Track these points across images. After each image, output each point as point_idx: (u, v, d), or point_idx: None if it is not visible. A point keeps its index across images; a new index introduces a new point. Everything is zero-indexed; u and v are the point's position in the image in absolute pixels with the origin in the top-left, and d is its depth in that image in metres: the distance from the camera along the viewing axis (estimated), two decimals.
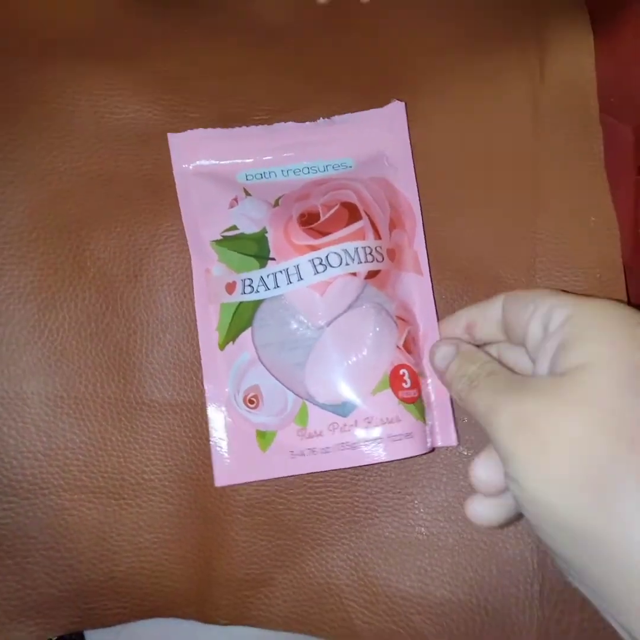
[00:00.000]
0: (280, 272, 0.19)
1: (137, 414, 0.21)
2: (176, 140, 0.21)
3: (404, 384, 0.19)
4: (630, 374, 0.13)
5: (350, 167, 0.22)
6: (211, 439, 0.20)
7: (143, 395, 0.21)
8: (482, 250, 0.22)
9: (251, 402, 0.19)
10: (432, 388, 0.20)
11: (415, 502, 0.20)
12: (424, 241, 0.21)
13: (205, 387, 0.20)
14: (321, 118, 0.22)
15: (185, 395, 0.21)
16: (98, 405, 0.21)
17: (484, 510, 0.16)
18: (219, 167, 0.21)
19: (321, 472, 0.20)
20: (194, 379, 0.21)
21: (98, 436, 0.20)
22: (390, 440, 0.18)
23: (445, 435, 0.20)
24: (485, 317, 0.18)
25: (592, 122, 0.22)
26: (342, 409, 0.19)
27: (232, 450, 0.20)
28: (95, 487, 0.20)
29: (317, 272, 0.19)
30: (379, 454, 0.18)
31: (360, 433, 0.19)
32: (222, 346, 0.20)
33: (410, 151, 0.22)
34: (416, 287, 0.21)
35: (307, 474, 0.21)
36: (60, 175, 0.21)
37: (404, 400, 0.19)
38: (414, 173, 0.21)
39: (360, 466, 0.21)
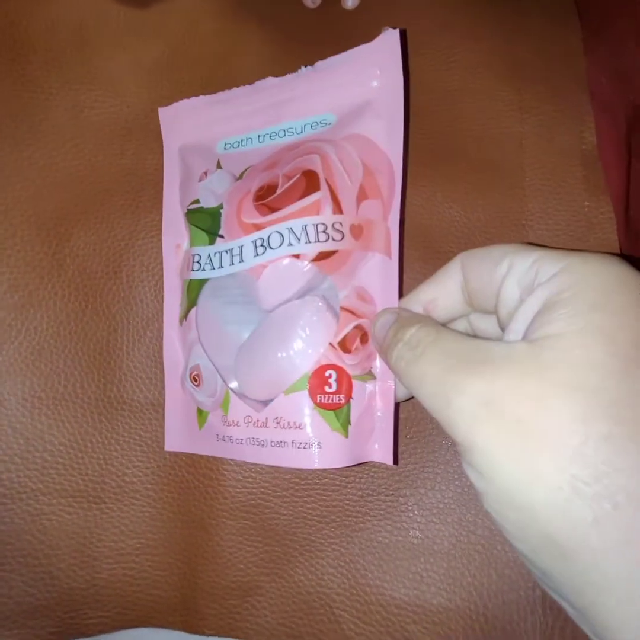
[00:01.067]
0: (226, 251, 0.18)
1: (118, 415, 0.20)
2: (165, 114, 0.21)
3: (326, 388, 0.17)
4: (636, 347, 0.10)
5: (330, 124, 0.19)
6: (166, 406, 0.20)
7: (124, 395, 0.20)
8: (469, 233, 0.20)
9: (194, 379, 0.19)
10: (379, 393, 0.17)
11: (409, 504, 0.19)
12: (399, 214, 0.18)
13: (164, 357, 0.20)
14: (303, 67, 0.19)
15: None
16: (77, 405, 0.20)
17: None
18: (202, 138, 0.20)
19: (295, 469, 0.19)
20: None
21: (78, 438, 0.20)
22: (294, 447, 0.17)
23: (382, 450, 0.17)
24: (445, 290, 0.15)
25: (582, 104, 0.21)
26: (258, 403, 0.17)
27: (180, 421, 0.19)
28: (74, 490, 0.20)
29: (257, 254, 0.17)
30: (281, 458, 0.17)
31: (269, 432, 0.17)
32: (180, 322, 0.20)
33: (402, 92, 0.18)
34: (382, 272, 0.18)
35: (294, 476, 0.20)
36: (37, 171, 0.21)
37: (322, 406, 0.17)
38: (402, 122, 0.18)
39: (350, 467, 0.20)
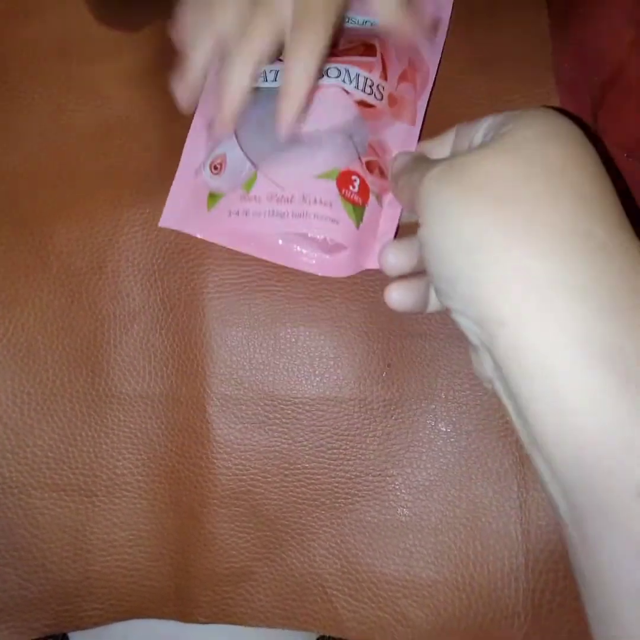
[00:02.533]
0: (281, 69, 0.20)
1: (107, 408, 0.20)
2: None
3: (351, 187, 0.19)
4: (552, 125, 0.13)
5: None
6: (171, 191, 0.21)
7: (113, 388, 0.20)
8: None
9: (215, 168, 0.20)
10: (384, 217, 0.20)
11: (397, 483, 0.20)
12: (427, 102, 0.21)
13: (185, 149, 0.21)
14: None
15: (156, 386, 0.21)
16: (66, 400, 0.20)
17: (399, 296, 0.17)
18: None
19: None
20: (164, 369, 0.21)
21: (68, 432, 0.20)
22: (316, 219, 0.19)
23: (371, 257, 0.20)
24: (440, 146, 0.18)
25: (550, 96, 0.22)
26: (286, 181, 0.20)
27: (184, 204, 0.21)
28: (66, 484, 0.20)
29: None
30: (302, 228, 0.19)
31: (292, 206, 0.19)
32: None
33: (450, 13, 0.22)
34: (404, 136, 0.21)
35: (283, 461, 0.20)
36: (21, 173, 0.21)
37: (344, 197, 0.19)
38: (443, 42, 0.22)
39: (340, 450, 0.20)
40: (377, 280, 0.21)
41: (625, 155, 0.21)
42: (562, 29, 0.23)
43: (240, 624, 0.20)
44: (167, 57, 0.23)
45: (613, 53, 0.21)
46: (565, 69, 0.22)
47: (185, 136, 0.22)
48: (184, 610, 0.20)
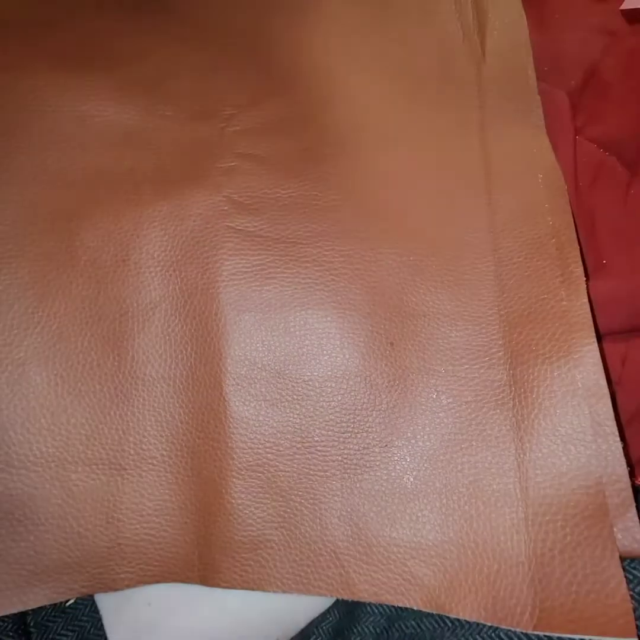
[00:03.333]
0: None
1: (132, 389, 0.22)
2: None
3: None
4: None
5: None
6: None
7: (137, 371, 0.22)
8: (441, 216, 0.23)
9: None
10: None
11: (402, 453, 0.21)
12: None
13: None
14: None
15: (177, 368, 0.22)
16: (96, 382, 0.22)
17: None
18: None
19: (297, 426, 0.21)
20: (183, 352, 0.22)
21: (97, 411, 0.22)
22: None
23: None
24: None
25: (531, 91, 0.23)
26: None
27: None
28: (97, 459, 0.22)
29: None
30: None
31: None
32: None
33: None
34: None
35: (295, 435, 0.21)
36: (49, 174, 0.23)
37: None
38: None
39: (348, 424, 0.21)
40: (380, 266, 0.23)
41: (602, 150, 0.23)
42: (540, 34, 0.24)
43: (258, 589, 0.21)
44: (183, 62, 0.25)
45: (587, 58, 0.23)
46: (544, 72, 0.24)
47: (201, 140, 0.23)
48: (206, 575, 0.21)
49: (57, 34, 0.25)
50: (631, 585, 0.18)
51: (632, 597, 0.17)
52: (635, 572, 0.18)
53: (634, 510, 0.18)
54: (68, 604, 0.22)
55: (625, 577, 0.17)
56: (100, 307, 0.22)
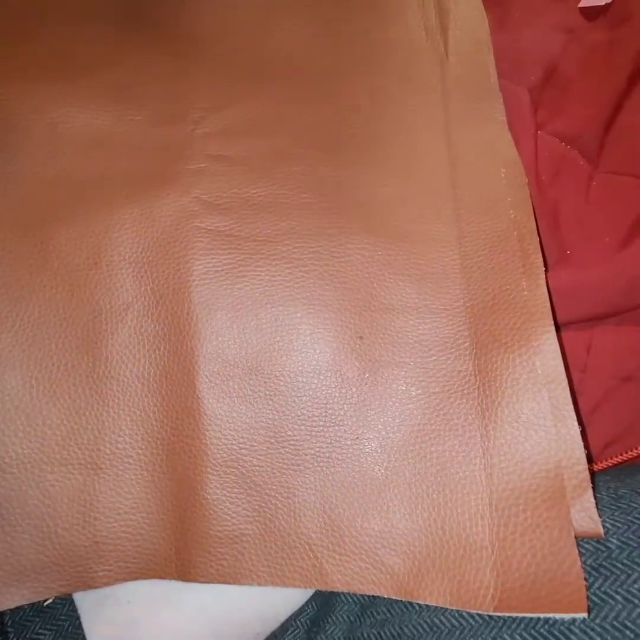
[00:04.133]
0: None
1: (107, 389, 0.22)
2: None
3: None
4: None
5: None
6: None
7: (112, 371, 0.22)
8: (407, 211, 0.23)
9: None
10: None
11: (372, 445, 0.21)
12: None
13: None
14: None
15: (151, 367, 0.23)
16: (71, 383, 0.22)
17: None
18: None
19: (270, 421, 0.21)
20: (157, 352, 0.23)
21: (73, 412, 0.22)
22: None
23: None
24: None
25: (493, 89, 0.24)
26: None
27: None
28: (73, 459, 0.22)
29: None
30: None
31: None
32: None
33: None
34: None
35: (268, 430, 0.22)
36: (22, 180, 0.23)
37: None
38: None
39: (320, 417, 0.22)
40: (348, 262, 0.23)
41: (563, 144, 0.23)
42: (500, 33, 0.25)
43: (233, 583, 0.21)
44: (153, 68, 0.26)
45: (547, 55, 0.23)
46: (504, 69, 0.24)
47: (170, 143, 0.24)
48: (183, 570, 0.21)
49: (28, 43, 0.25)
50: (583, 558, 0.18)
51: (584, 569, 0.18)
52: (587, 545, 0.18)
53: (590, 492, 0.18)
54: (46, 603, 0.22)
55: (579, 551, 0.18)
56: (74, 310, 0.23)
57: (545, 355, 0.19)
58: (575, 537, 0.18)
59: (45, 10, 0.27)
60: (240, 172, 0.24)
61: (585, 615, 0.17)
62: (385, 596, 0.19)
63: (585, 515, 0.18)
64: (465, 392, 0.21)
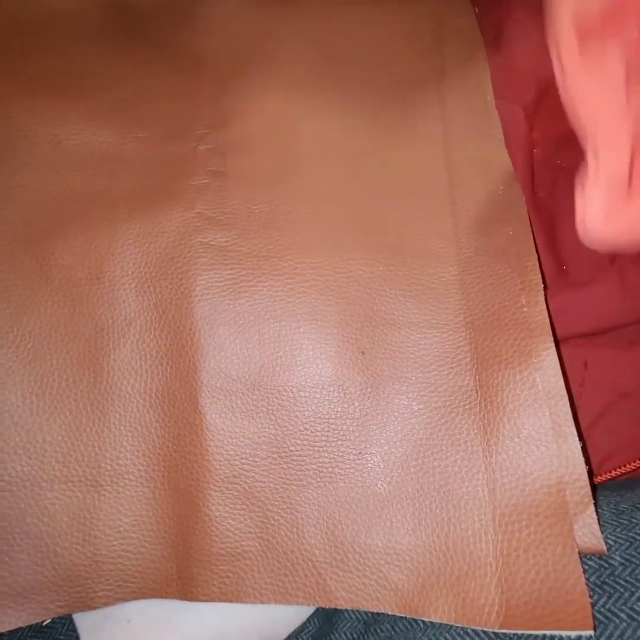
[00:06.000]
0: None
1: (108, 405, 0.22)
2: None
3: None
4: None
5: None
6: None
7: (113, 387, 0.22)
8: (407, 227, 0.24)
9: None
10: None
11: (375, 460, 0.21)
12: None
13: None
14: None
15: (152, 383, 0.23)
16: (71, 399, 0.22)
17: None
18: None
19: (272, 437, 0.22)
20: (159, 367, 0.23)
21: (73, 428, 0.22)
22: None
23: None
24: None
25: (490, 107, 0.25)
26: None
27: None
28: (73, 476, 0.22)
29: None
30: None
31: None
32: None
33: None
34: None
35: (270, 445, 0.22)
36: (24, 196, 0.23)
37: None
38: None
39: (323, 432, 0.22)
40: (349, 277, 0.23)
41: (558, 162, 0.24)
42: (494, 52, 0.26)
43: (237, 601, 0.21)
44: (157, 86, 0.26)
45: (540, 73, 0.24)
46: (499, 87, 0.25)
47: (173, 159, 0.24)
48: (185, 589, 0.21)
49: (33, 61, 0.26)
50: (587, 575, 0.18)
51: (588, 586, 0.18)
52: (590, 562, 0.19)
53: (592, 508, 0.18)
54: (44, 623, 0.22)
55: (583, 568, 0.18)
56: (75, 325, 0.23)
57: (545, 371, 0.20)
58: (579, 554, 0.18)
59: (48, 28, 0.27)
60: (242, 187, 0.24)
61: (591, 633, 0.17)
62: (390, 613, 0.19)
63: (588, 531, 0.18)
64: (466, 407, 0.21)
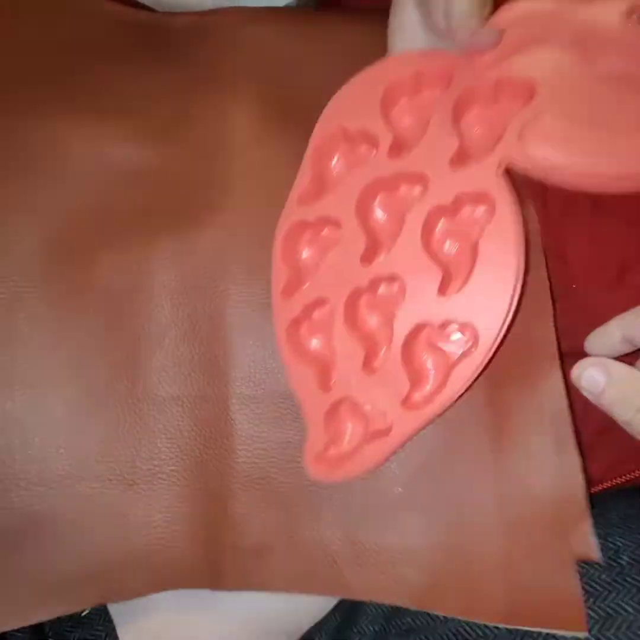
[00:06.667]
0: None
1: (145, 409, 0.24)
2: None
3: None
4: None
5: None
6: None
7: (149, 392, 0.24)
8: None
9: None
10: None
11: (392, 466, 0.23)
12: None
13: None
14: None
15: (186, 389, 0.24)
16: (111, 403, 0.24)
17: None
18: None
19: None
20: (192, 374, 0.24)
21: (112, 431, 0.23)
22: None
23: None
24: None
25: None
26: None
27: None
28: (111, 475, 0.23)
29: None
30: None
31: None
32: None
33: None
34: None
35: (295, 449, 0.23)
36: (66, 210, 0.25)
37: None
38: None
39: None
40: None
41: None
42: None
43: (261, 590, 0.23)
44: (195, 105, 0.27)
45: None
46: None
47: (210, 179, 0.25)
48: (214, 579, 0.23)
49: (76, 80, 0.27)
50: (597, 574, 0.21)
51: (598, 583, 0.20)
52: (587, 567, 0.21)
53: (589, 520, 0.20)
54: (83, 614, 0.23)
55: (594, 566, 0.20)
56: (115, 333, 0.24)
57: (551, 393, 0.21)
58: (577, 562, 0.20)
59: (86, 49, 0.29)
60: (278, 205, 0.26)
61: (585, 634, 0.19)
62: (403, 606, 0.21)
63: (583, 541, 0.20)
64: (477, 421, 0.23)
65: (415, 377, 0.21)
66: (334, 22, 0.31)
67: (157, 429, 0.24)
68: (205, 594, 0.23)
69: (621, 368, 0.18)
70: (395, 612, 0.23)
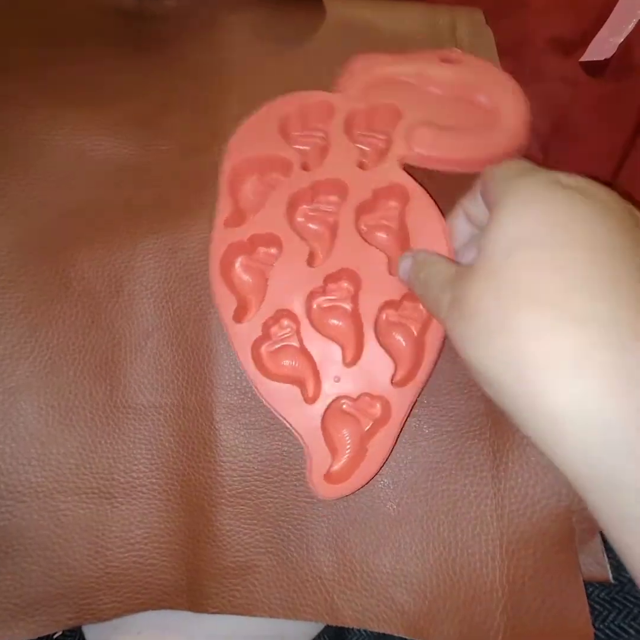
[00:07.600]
0: None
1: (123, 418, 0.22)
2: None
3: None
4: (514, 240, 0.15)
5: None
6: None
7: (129, 400, 0.23)
8: None
9: None
10: None
11: (385, 481, 0.22)
12: None
13: None
14: None
15: (168, 397, 0.23)
16: (87, 411, 0.22)
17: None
18: None
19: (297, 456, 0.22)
20: (175, 381, 0.23)
21: (88, 440, 0.22)
22: None
23: None
24: (476, 204, 0.19)
25: None
26: None
27: None
28: (87, 487, 0.22)
29: None
30: None
31: None
32: None
33: None
34: None
35: (283, 462, 0.22)
36: (45, 206, 0.23)
37: None
38: None
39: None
40: None
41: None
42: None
43: (245, 614, 0.21)
44: (178, 98, 0.26)
45: (554, 108, 0.25)
46: None
47: (195, 174, 0.24)
48: (195, 601, 0.22)
49: (56, 72, 0.26)
50: (597, 591, 0.19)
51: (598, 601, 0.18)
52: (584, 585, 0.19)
53: (598, 536, 0.19)
54: (55, 636, 0.22)
55: (593, 584, 0.19)
56: (93, 337, 0.23)
57: None
58: (584, 582, 0.19)
59: (67, 39, 0.27)
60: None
61: None
62: (396, 634, 0.20)
63: (594, 560, 0.19)
64: (477, 432, 0.21)
65: (397, 355, 0.22)
66: (316, 8, 0.30)
67: (137, 439, 0.22)
68: (185, 614, 0.22)
69: (424, 253, 0.20)
70: (384, 635, 0.22)
